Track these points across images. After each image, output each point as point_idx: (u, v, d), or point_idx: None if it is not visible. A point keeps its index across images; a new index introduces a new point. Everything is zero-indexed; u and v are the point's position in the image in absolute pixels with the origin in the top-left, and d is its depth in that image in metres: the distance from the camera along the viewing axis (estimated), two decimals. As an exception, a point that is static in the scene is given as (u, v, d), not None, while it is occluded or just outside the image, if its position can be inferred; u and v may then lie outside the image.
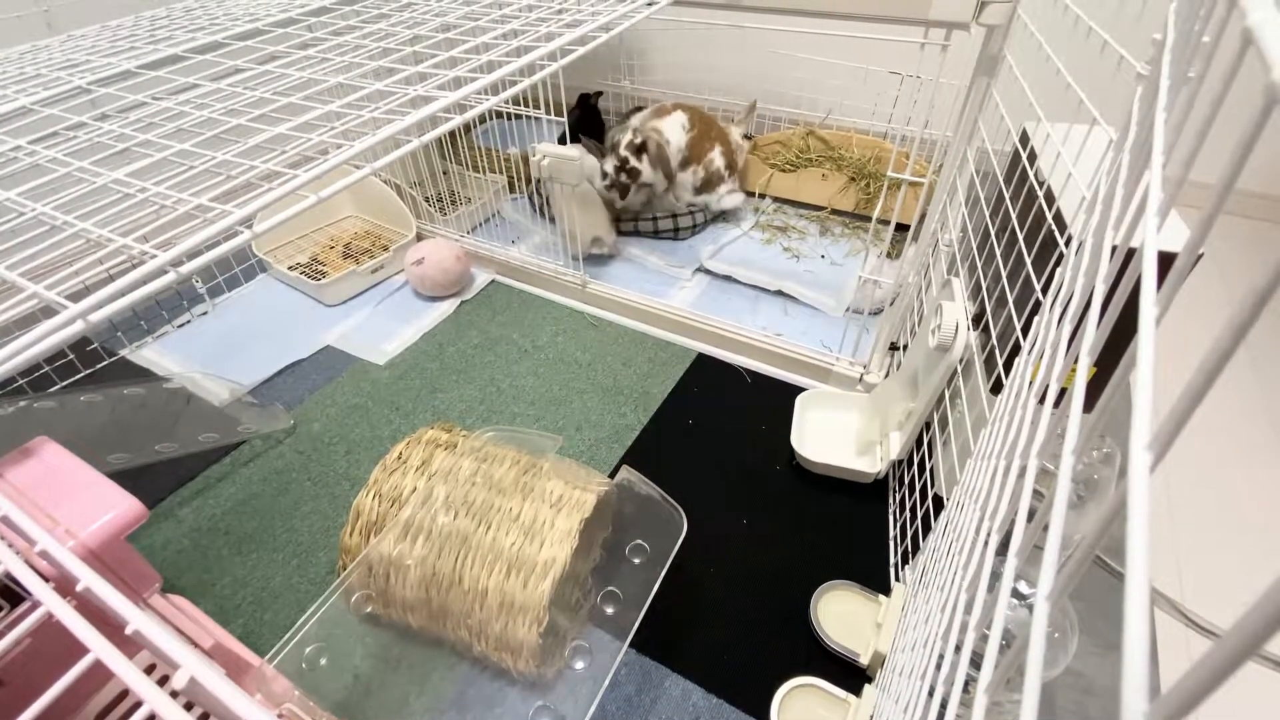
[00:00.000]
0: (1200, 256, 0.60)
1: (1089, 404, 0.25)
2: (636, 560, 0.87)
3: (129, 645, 0.26)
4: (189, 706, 0.28)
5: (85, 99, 0.63)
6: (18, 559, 0.27)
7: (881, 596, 0.84)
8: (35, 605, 0.28)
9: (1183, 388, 0.14)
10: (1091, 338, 0.23)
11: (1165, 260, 0.21)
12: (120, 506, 0.42)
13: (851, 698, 0.74)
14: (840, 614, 0.84)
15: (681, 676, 0.81)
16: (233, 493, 1.04)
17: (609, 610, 0.82)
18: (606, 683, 0.75)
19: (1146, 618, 0.12)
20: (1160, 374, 0.17)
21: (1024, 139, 0.80)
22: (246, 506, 1.02)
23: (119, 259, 0.42)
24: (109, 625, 0.29)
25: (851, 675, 0.79)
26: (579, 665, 0.78)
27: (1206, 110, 0.20)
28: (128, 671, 0.24)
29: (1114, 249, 0.32)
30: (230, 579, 0.92)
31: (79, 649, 0.27)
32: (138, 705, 0.25)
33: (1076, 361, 0.27)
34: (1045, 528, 0.24)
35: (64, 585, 0.29)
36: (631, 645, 0.81)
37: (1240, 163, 0.15)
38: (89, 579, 0.26)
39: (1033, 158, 0.74)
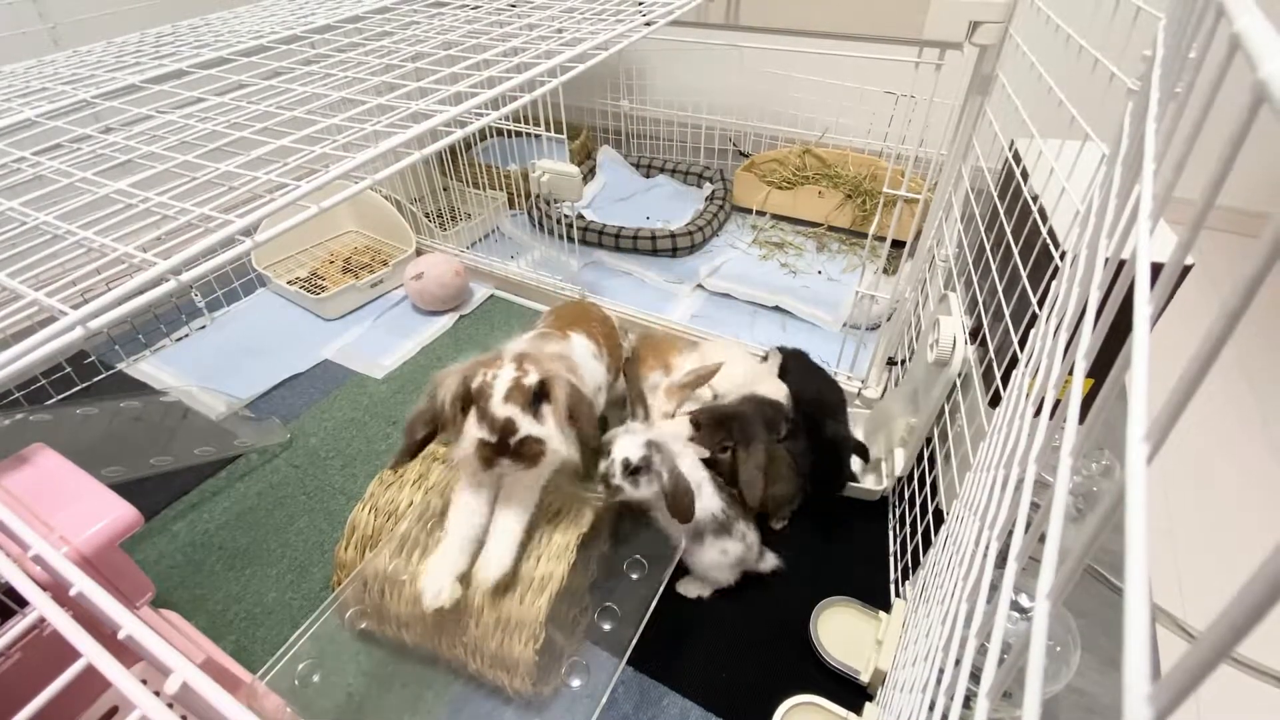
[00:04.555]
0: (1190, 267, 0.60)
1: (1084, 414, 0.25)
2: (634, 576, 0.86)
3: (123, 655, 0.26)
4: None
5: (89, 112, 0.63)
6: (12, 565, 0.27)
7: (882, 613, 0.83)
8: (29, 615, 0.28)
9: (1177, 379, 0.14)
10: (1088, 341, 0.23)
11: (1157, 271, 0.21)
12: (115, 513, 0.42)
13: (852, 716, 0.73)
14: (840, 631, 0.83)
15: (679, 694, 0.80)
16: (228, 507, 1.03)
17: (606, 627, 0.81)
18: (604, 701, 0.74)
19: (1147, 610, 0.12)
20: (1155, 384, 0.18)
21: (1017, 155, 0.81)
22: (241, 521, 1.01)
23: (119, 268, 0.42)
24: (102, 634, 0.28)
25: (852, 693, 0.78)
26: (576, 683, 0.77)
27: (1196, 115, 0.20)
28: (119, 675, 0.23)
29: (1106, 260, 0.32)
30: (223, 594, 0.91)
31: (72, 660, 0.26)
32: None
33: (1073, 367, 0.27)
34: (1042, 538, 0.24)
35: (58, 592, 0.28)
36: (629, 662, 0.80)
37: (1231, 159, 0.15)
38: (82, 584, 0.26)
39: (1026, 174, 0.75)
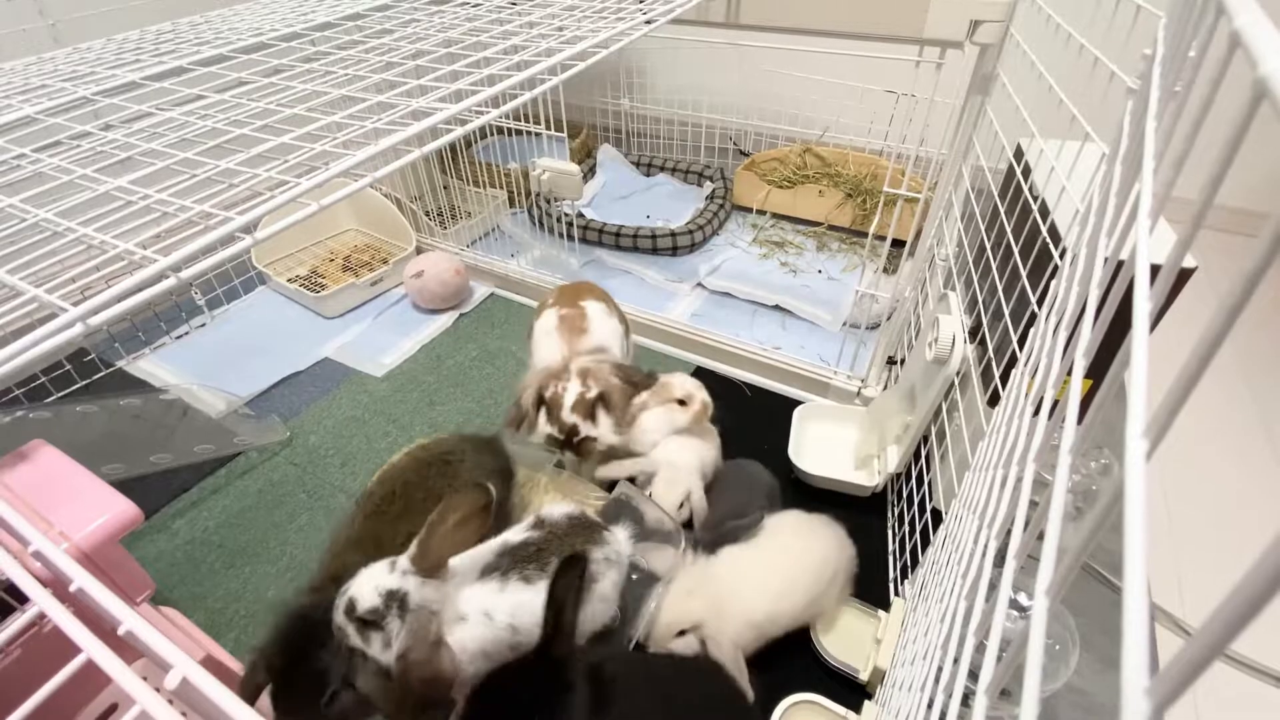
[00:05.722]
0: (1193, 270, 0.60)
1: (1083, 414, 0.25)
2: (634, 575, 0.86)
3: (123, 652, 0.26)
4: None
5: (89, 109, 0.63)
6: (12, 560, 0.27)
7: (881, 612, 0.83)
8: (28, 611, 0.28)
9: (1177, 374, 0.14)
10: (1087, 339, 0.23)
11: (1158, 272, 0.21)
12: (115, 509, 0.42)
13: (851, 714, 0.73)
14: (840, 629, 0.83)
15: (679, 692, 0.79)
16: (227, 505, 1.03)
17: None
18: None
19: (1145, 602, 0.12)
20: (1155, 386, 0.18)
21: (1018, 155, 0.81)
22: (241, 519, 1.01)
23: (118, 265, 0.42)
24: (102, 630, 0.28)
25: (851, 691, 0.78)
26: (575, 680, 0.77)
27: (1196, 113, 0.20)
28: (118, 670, 0.23)
29: (1106, 259, 0.32)
30: (223, 592, 0.91)
31: (72, 657, 0.26)
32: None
33: (1072, 365, 0.27)
34: (1041, 535, 0.24)
35: (58, 588, 0.28)
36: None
37: (1231, 157, 0.15)
38: (82, 580, 0.26)
39: (1027, 173, 0.75)
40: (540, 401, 0.91)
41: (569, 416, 0.88)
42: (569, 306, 1.03)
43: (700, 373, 1.27)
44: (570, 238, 1.49)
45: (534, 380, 0.93)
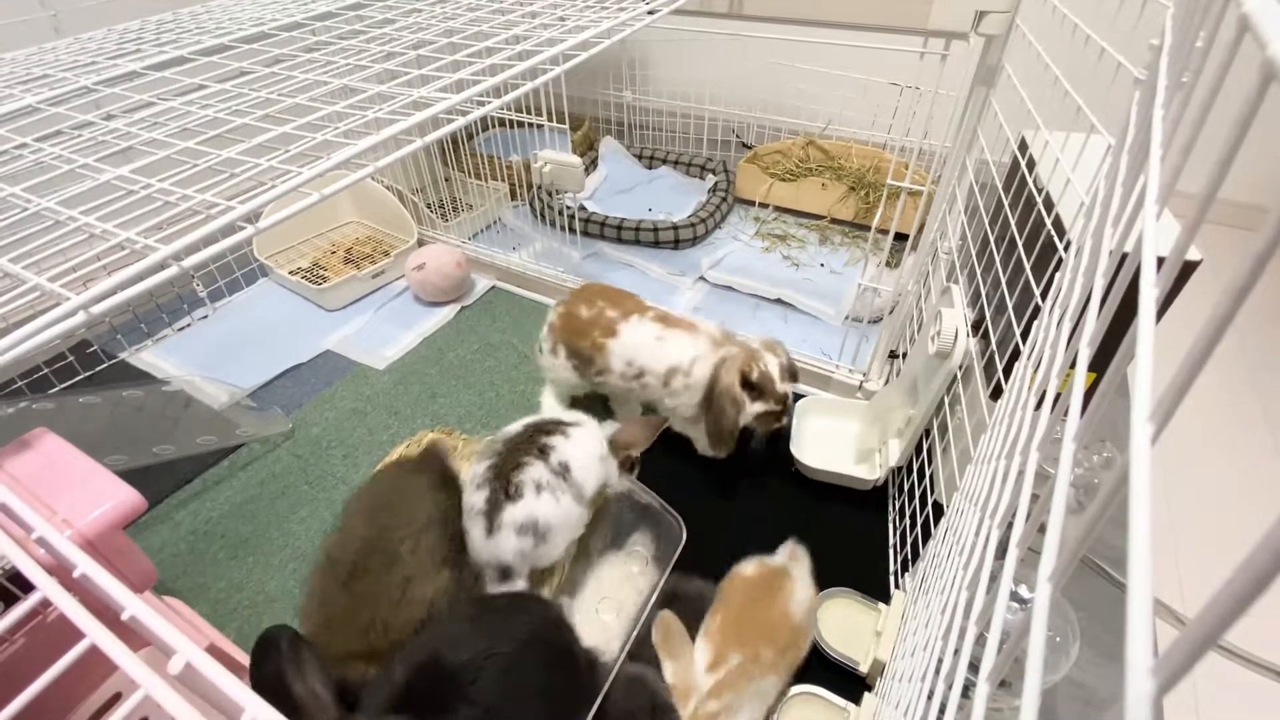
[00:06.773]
0: (1198, 263, 0.60)
1: (1086, 407, 0.25)
2: (635, 569, 0.86)
3: (127, 640, 0.26)
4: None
5: (91, 99, 0.63)
6: (15, 547, 0.27)
7: (881, 604, 0.83)
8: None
9: (1183, 357, 0.14)
10: (1092, 328, 0.23)
11: (1161, 267, 0.21)
12: (118, 497, 0.42)
13: (851, 706, 0.73)
14: (840, 622, 0.83)
15: (679, 684, 0.80)
16: (230, 496, 1.03)
17: (607, 618, 0.81)
18: (602, 694, 0.75)
19: (1150, 584, 0.12)
20: (1158, 378, 0.17)
21: (1023, 147, 0.80)
22: (244, 510, 1.01)
23: (120, 254, 0.42)
24: (106, 617, 0.28)
25: (851, 683, 0.78)
26: (576, 672, 0.77)
27: (1203, 100, 0.20)
28: (121, 655, 0.23)
29: (1111, 252, 0.32)
30: (226, 583, 0.92)
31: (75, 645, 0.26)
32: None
33: (1077, 355, 0.27)
34: (1042, 528, 0.24)
35: (62, 575, 0.29)
36: (628, 656, 0.81)
37: (1240, 139, 0.15)
38: (86, 566, 0.26)
39: (1031, 165, 0.75)
40: (746, 384, 0.94)
41: (781, 388, 0.94)
42: (643, 311, 1.02)
43: (702, 366, 1.27)
44: (572, 231, 1.49)
45: (728, 368, 0.93)
